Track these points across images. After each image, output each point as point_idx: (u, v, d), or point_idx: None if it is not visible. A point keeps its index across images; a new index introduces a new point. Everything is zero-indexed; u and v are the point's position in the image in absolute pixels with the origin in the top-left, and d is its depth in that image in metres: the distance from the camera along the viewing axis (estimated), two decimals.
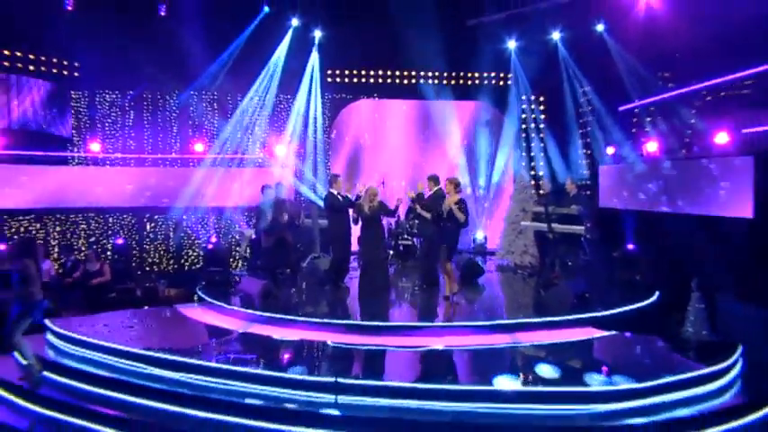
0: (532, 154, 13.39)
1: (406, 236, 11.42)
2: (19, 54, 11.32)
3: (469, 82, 13.67)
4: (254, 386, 5.38)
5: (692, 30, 8.41)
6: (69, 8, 11.40)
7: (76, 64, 12.06)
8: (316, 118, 13.22)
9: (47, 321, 7.08)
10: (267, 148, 12.95)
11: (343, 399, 5.11)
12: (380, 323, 7.05)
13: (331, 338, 6.55)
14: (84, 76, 12.08)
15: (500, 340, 6.56)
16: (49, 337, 7.00)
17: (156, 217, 12.79)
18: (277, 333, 6.87)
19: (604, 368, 5.65)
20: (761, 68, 7.84)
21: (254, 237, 10.83)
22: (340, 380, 5.20)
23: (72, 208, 12.08)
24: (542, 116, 13.30)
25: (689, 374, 5.33)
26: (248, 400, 5.20)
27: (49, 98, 11.67)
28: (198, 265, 12.72)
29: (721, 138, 8.47)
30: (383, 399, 5.09)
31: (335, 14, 12.45)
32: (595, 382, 5.21)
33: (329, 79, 13.41)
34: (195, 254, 13.01)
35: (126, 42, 11.18)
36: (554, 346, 6.45)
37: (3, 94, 11.02)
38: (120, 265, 11.08)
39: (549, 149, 12.80)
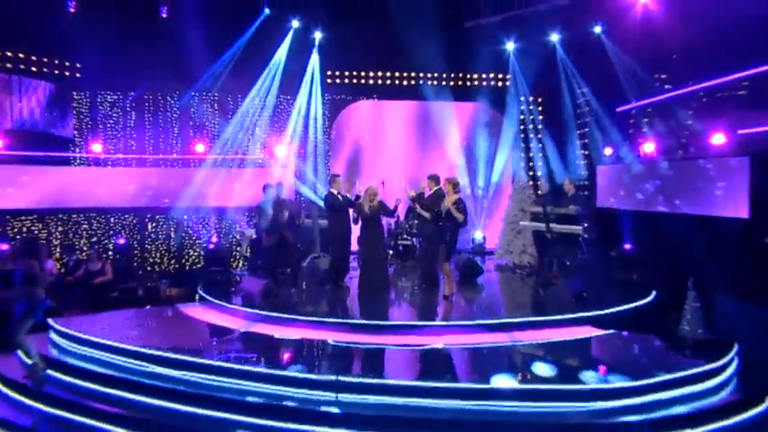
0: (531, 154, 13.44)
1: (405, 236, 11.47)
2: (21, 55, 11.38)
3: (468, 83, 13.73)
4: (255, 384, 5.44)
5: (688, 32, 8.46)
6: (72, 10, 11.46)
7: (78, 65, 12.12)
8: (316, 119, 13.27)
9: (50, 320, 7.15)
10: (268, 149, 13.00)
11: (343, 397, 5.17)
12: (380, 322, 7.11)
13: (331, 337, 6.61)
14: (86, 76, 12.13)
15: (499, 339, 6.61)
16: (53, 335, 7.07)
17: (157, 217, 12.85)
18: (278, 332, 6.92)
19: (602, 366, 5.70)
20: (756, 70, 7.89)
21: (254, 237, 10.91)
22: (341, 378, 5.25)
23: (74, 208, 12.13)
24: (541, 117, 13.35)
25: (685, 372, 5.38)
26: (249, 398, 5.26)
27: (50, 99, 11.74)
28: (199, 265, 12.77)
29: (717, 138, 8.51)
30: (383, 397, 5.15)
31: (335, 16, 12.50)
32: (593, 381, 5.27)
33: (329, 80, 13.48)
34: (196, 254, 13.06)
35: (127, 43, 11.28)
36: (552, 345, 6.52)
37: (5, 95, 11.09)
38: (122, 265, 11.14)
39: (548, 150, 12.83)
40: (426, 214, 8.39)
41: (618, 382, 5.16)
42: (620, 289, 8.66)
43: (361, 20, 12.29)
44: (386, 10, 11.27)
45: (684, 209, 9.06)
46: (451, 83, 13.61)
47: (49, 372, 6.05)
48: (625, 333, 6.89)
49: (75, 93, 12.27)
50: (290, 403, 5.13)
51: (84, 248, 12.12)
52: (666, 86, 10.06)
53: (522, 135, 13.55)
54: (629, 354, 6.54)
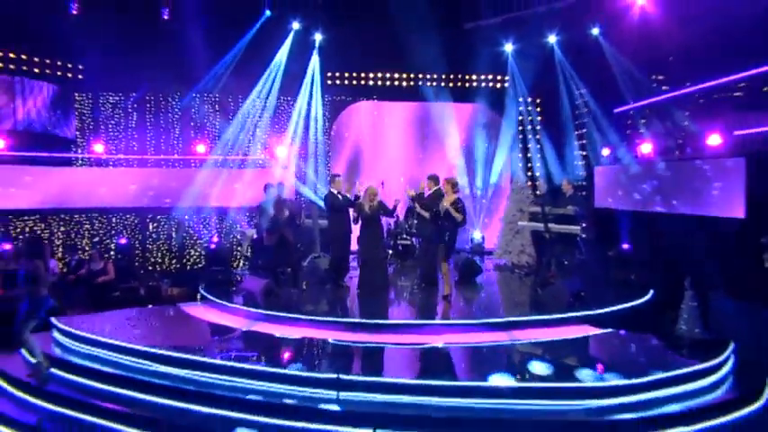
0: (529, 155, 13.52)
1: (405, 236, 11.53)
2: (24, 56, 11.46)
3: (467, 84, 13.80)
4: (256, 382, 5.48)
5: (685, 34, 8.53)
6: (74, 12, 11.51)
7: (80, 66, 12.20)
8: (316, 119, 13.34)
9: (53, 319, 7.21)
10: (268, 150, 13.06)
11: (344, 395, 5.22)
12: (380, 321, 7.17)
13: (332, 336, 6.67)
14: (88, 78, 12.21)
15: (497, 338, 6.67)
16: (56, 334, 7.12)
17: (158, 217, 12.92)
18: (279, 331, 6.97)
19: (599, 365, 5.75)
20: (752, 72, 7.97)
21: (255, 237, 10.96)
22: (342, 376, 5.31)
23: (76, 208, 12.19)
24: (539, 118, 13.42)
25: (682, 371, 5.44)
26: (251, 397, 5.32)
27: (53, 100, 11.81)
28: (200, 265, 12.85)
29: (714, 139, 8.56)
30: (384, 395, 5.20)
31: (335, 18, 12.56)
32: (590, 379, 5.32)
33: (329, 81, 13.55)
34: (197, 253, 13.13)
35: (129, 45, 11.33)
36: (550, 344, 6.56)
37: (8, 96, 11.15)
38: (124, 265, 11.19)
39: (546, 151, 12.90)
40: (426, 214, 8.44)
41: (615, 381, 5.21)
42: (618, 288, 8.72)
43: (361, 21, 12.34)
44: (386, 11, 11.33)
45: (681, 209, 9.12)
46: (451, 84, 13.68)
47: (53, 370, 6.10)
48: (622, 332, 6.95)
49: (77, 94, 12.34)
50: (291, 401, 5.19)
51: (87, 248, 12.18)
52: (663, 88, 10.14)
53: (520, 136, 13.61)
54: (627, 352, 6.59)
